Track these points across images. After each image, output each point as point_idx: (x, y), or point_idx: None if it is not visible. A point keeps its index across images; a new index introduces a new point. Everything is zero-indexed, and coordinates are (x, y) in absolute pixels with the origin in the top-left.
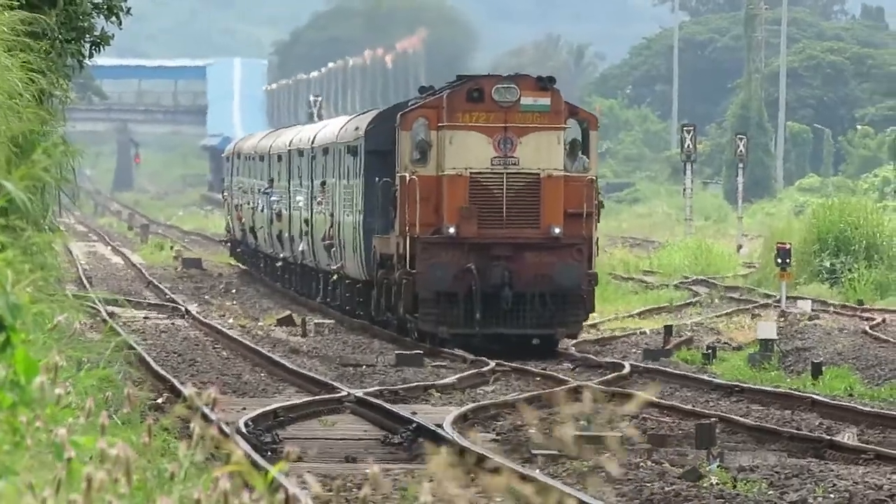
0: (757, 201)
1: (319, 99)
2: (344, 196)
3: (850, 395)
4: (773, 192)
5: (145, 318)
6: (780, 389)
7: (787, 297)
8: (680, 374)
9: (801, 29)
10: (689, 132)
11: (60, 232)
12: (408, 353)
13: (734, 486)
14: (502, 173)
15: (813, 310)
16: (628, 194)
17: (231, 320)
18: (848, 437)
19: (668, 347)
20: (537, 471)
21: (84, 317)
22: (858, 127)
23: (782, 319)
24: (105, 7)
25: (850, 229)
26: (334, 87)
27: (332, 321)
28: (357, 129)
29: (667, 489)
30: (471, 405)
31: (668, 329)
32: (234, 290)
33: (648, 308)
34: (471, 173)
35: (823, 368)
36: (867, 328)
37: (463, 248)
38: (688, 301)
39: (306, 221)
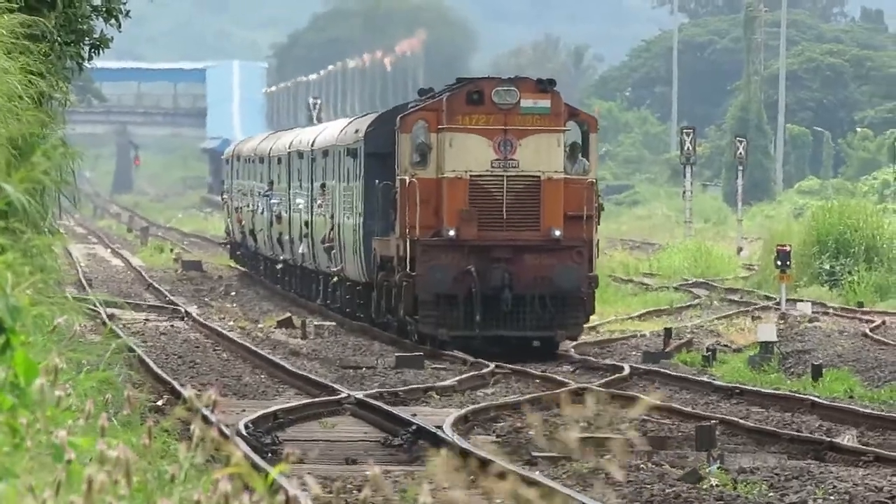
0: (756, 204)
1: (319, 101)
2: (344, 198)
3: (851, 397)
4: (772, 195)
5: (145, 320)
6: (780, 391)
7: (787, 300)
8: (680, 376)
9: (800, 31)
10: (688, 134)
11: (60, 234)
12: (408, 355)
13: (734, 488)
14: (502, 176)
15: (813, 312)
16: (628, 196)
17: (231, 322)
18: (848, 439)
19: (667, 350)
20: (538, 473)
21: (84, 319)
22: (858, 129)
23: (782, 322)
24: (104, 10)
25: (849, 232)
26: (333, 90)
27: (332, 323)
28: (357, 131)
29: (667, 491)
30: (471, 407)
31: (667, 331)
32: (233, 293)
33: (648, 310)
34: (471, 176)
35: (823, 370)
36: (867, 330)
37: (463, 251)
38: (688, 303)
39: (306, 224)
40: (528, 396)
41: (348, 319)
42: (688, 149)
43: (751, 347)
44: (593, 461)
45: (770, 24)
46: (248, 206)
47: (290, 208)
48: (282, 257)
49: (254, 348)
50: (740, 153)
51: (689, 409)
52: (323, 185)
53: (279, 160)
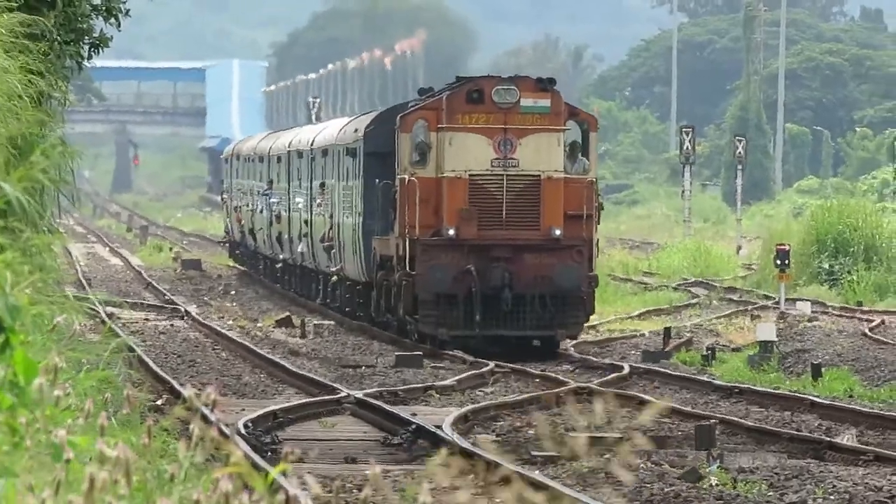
0: (756, 203)
1: (318, 101)
2: (343, 198)
3: (850, 396)
4: (771, 194)
5: (145, 319)
6: (779, 391)
7: (787, 299)
8: (679, 375)
9: (800, 30)
10: (687, 134)
11: (59, 233)
12: (407, 354)
13: (734, 487)
14: (502, 175)
15: (812, 311)
16: (627, 196)
17: (230, 322)
18: (847, 438)
19: (667, 349)
20: (537, 472)
21: (83, 318)
22: (857, 129)
23: (782, 321)
24: (104, 9)
25: (848, 231)
26: (333, 89)
27: (331, 322)
28: (356, 130)
29: (666, 490)
30: (470, 406)
31: (667, 330)
32: (233, 292)
33: (648, 309)
34: (470, 175)
35: (823, 370)
36: (866, 330)
37: (463, 250)
38: (687, 303)
39: (306, 223)
40: (526, 395)
41: (348, 319)
42: (687, 148)
43: (750, 347)
44: (595, 461)
45: (769, 23)
46: (247, 205)
47: (289, 207)
48: (281, 256)
49: (253, 347)
50: (739, 152)
51: (688, 408)
52: (322, 185)
53: (279, 159)
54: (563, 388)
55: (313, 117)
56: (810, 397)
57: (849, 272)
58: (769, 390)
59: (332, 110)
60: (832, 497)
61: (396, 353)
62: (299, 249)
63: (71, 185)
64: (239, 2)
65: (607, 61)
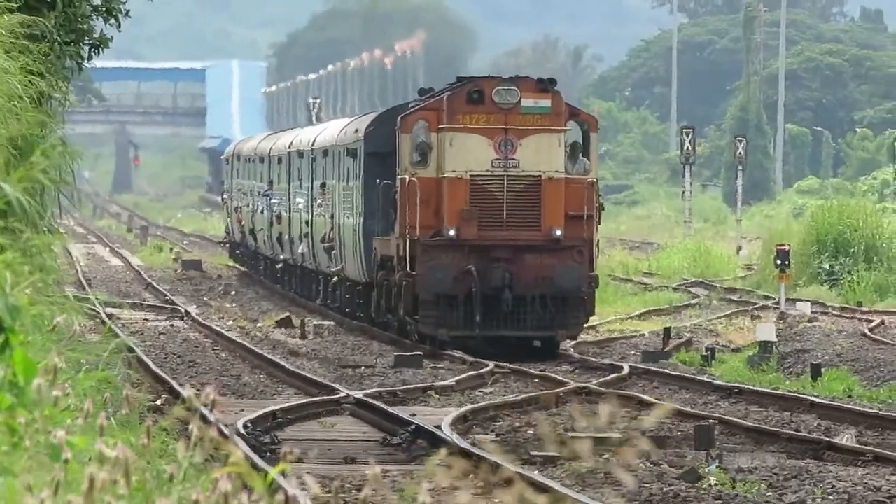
0: (756, 203)
1: (318, 101)
2: (344, 198)
3: (849, 396)
4: (772, 195)
5: (144, 319)
6: (779, 391)
7: (787, 299)
8: (679, 375)
9: (800, 31)
10: (688, 134)
11: (59, 234)
12: (407, 354)
13: (733, 487)
14: (503, 175)
15: (812, 312)
16: (627, 196)
17: (230, 322)
18: (847, 438)
19: (667, 349)
20: (536, 472)
21: (83, 319)
22: (857, 129)
23: (781, 321)
24: (104, 9)
25: (849, 231)
26: (333, 90)
27: (331, 323)
28: (357, 131)
29: (665, 490)
30: (470, 406)
31: (667, 331)
32: (233, 292)
33: (648, 310)
34: (471, 175)
35: (822, 370)
36: (866, 330)
37: (463, 251)
38: (687, 303)
39: (306, 223)
40: (525, 396)
41: (348, 319)
42: (687, 148)
43: (750, 347)
44: (594, 462)
45: (769, 23)
46: (247, 205)
47: (290, 208)
48: (282, 257)
49: (253, 348)
50: (740, 153)
51: (688, 408)
52: (323, 185)
53: (279, 160)
54: (562, 389)
55: (313, 118)
56: (810, 397)
57: (849, 272)
58: (769, 390)
59: (333, 111)
60: (831, 497)
61: (396, 354)
62: (300, 250)
63: (71, 185)
64: (239, 2)
65: (607, 62)
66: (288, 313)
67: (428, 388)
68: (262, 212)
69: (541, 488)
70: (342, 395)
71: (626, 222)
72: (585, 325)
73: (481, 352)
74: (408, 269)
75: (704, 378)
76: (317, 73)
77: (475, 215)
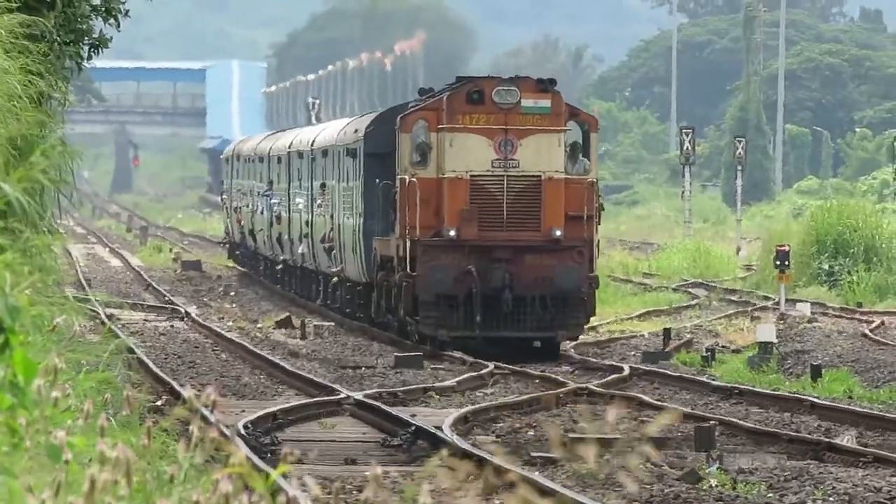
0: (755, 204)
1: (318, 101)
2: (344, 198)
3: (850, 397)
4: (771, 195)
5: (144, 320)
6: (779, 392)
7: (786, 300)
8: (679, 376)
9: (799, 31)
10: (687, 134)
11: (59, 234)
12: (407, 355)
13: (733, 489)
14: (503, 175)
15: (812, 312)
16: (627, 196)
17: (230, 323)
18: (847, 439)
19: (667, 350)
20: (537, 473)
21: (83, 319)
22: (857, 129)
23: (781, 322)
24: (103, 9)
25: (848, 232)
26: (332, 90)
27: (331, 323)
28: (356, 131)
29: (666, 491)
30: (470, 407)
31: (667, 331)
32: (233, 293)
33: (647, 310)
34: (471, 175)
35: (822, 371)
36: (866, 331)
37: (463, 251)
38: (687, 303)
39: (306, 224)
40: (526, 396)
41: (348, 320)
42: (687, 149)
43: (750, 348)
44: (594, 463)
45: (769, 23)
46: (247, 205)
47: (289, 208)
48: (281, 257)
49: (253, 349)
50: (739, 153)
51: (688, 409)
52: (323, 185)
53: (279, 160)
54: (562, 389)
55: (313, 118)
56: (810, 398)
57: (849, 273)
58: (769, 391)
59: (332, 111)
60: (831, 498)
61: (396, 354)
62: (300, 250)
63: (71, 185)
64: (239, 2)
65: (607, 62)
66: (288, 314)
67: (428, 388)
68: (261, 212)
69: (538, 488)
70: (342, 395)
71: (626, 222)
72: (586, 326)
73: (481, 352)
74: (408, 269)
75: (704, 379)
76: (316, 74)
77: (475, 216)
